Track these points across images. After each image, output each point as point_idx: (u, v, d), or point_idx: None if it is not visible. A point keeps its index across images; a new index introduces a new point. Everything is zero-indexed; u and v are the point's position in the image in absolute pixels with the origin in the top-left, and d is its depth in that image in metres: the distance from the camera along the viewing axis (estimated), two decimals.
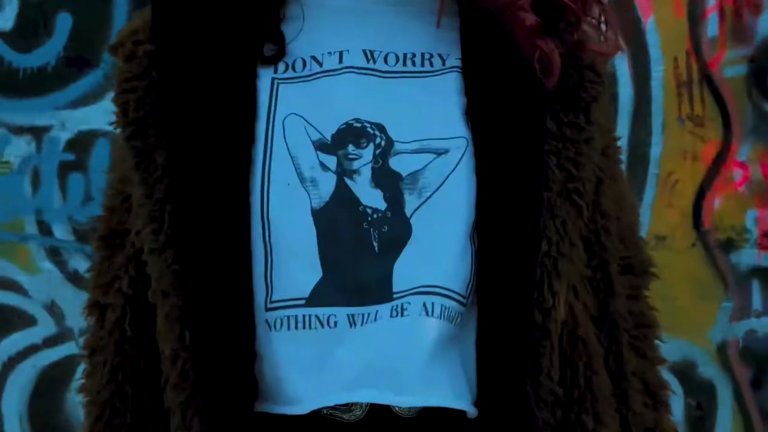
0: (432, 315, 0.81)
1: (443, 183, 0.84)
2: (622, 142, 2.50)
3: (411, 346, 0.81)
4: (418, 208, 0.83)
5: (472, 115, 0.86)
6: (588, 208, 0.86)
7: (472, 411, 0.81)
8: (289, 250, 0.83)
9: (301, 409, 0.80)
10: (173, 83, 0.86)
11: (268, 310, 0.82)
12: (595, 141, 0.87)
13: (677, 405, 2.51)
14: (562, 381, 0.84)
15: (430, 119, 0.86)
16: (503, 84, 0.86)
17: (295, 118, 0.85)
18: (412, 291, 0.81)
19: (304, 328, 0.81)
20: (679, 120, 2.60)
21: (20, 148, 2.52)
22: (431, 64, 0.90)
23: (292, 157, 0.84)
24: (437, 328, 0.80)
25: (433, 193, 0.83)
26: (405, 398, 0.80)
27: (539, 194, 0.83)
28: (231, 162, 0.84)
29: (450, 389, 0.82)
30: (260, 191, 0.83)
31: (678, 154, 2.60)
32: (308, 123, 0.86)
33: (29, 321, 2.50)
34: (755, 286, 2.55)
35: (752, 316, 2.56)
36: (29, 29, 2.57)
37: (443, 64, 0.90)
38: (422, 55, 0.90)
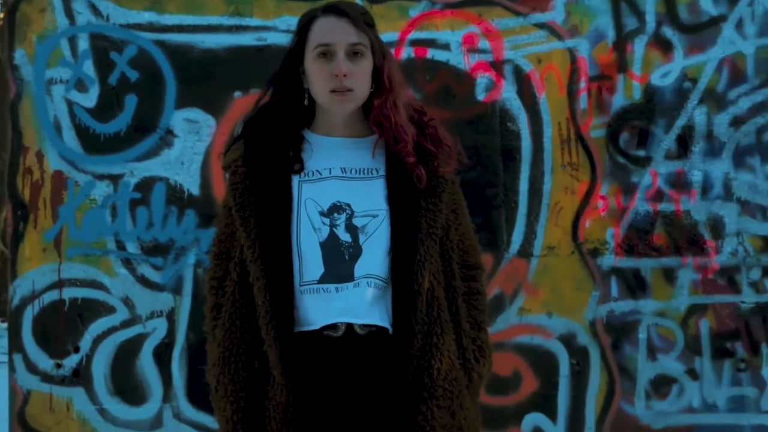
0: (370, 286, 1.70)
1: (376, 230, 1.73)
2: (524, 182, 3.37)
3: (362, 300, 1.69)
4: (365, 241, 1.73)
5: (389, 199, 1.75)
6: (439, 240, 1.76)
7: (390, 329, 1.71)
8: (309, 260, 1.72)
9: (314, 327, 1.69)
10: (254, 185, 1.75)
11: (300, 285, 1.71)
12: (443, 211, 1.76)
13: (564, 364, 3.36)
14: (428, 314, 1.72)
15: (369, 201, 1.75)
16: (402, 185, 1.75)
17: (310, 200, 1.74)
18: (362, 276, 1.70)
19: (317, 293, 1.70)
20: (562, 166, 3.35)
21: (102, 189, 3.30)
22: (371, 174, 1.79)
23: (309, 219, 1.73)
24: (373, 292, 1.70)
25: (371, 234, 1.73)
26: (360, 321, 1.69)
27: (416, 234, 1.72)
28: (282, 220, 1.72)
29: (379, 318, 1.70)
30: (296, 233, 1.72)
31: (561, 190, 3.35)
32: (316, 202, 1.75)
33: (110, 310, 3.27)
34: (613, 280, 3.33)
35: (611, 300, 3.34)
36: (107, 106, 3.33)
37: (377, 173, 1.78)
38: (368, 169, 1.79)
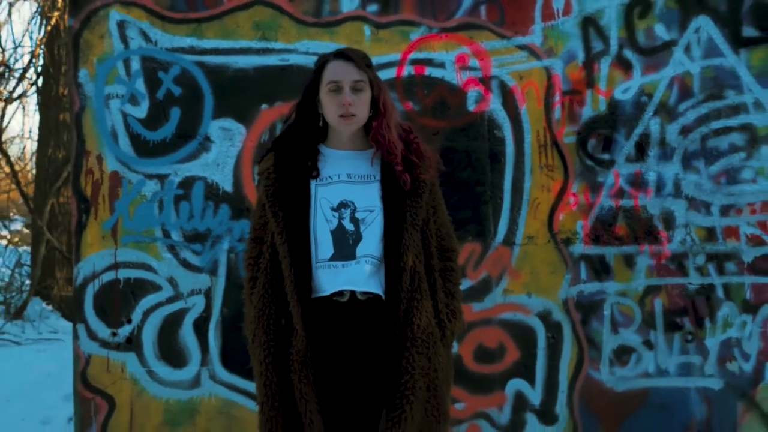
0: (368, 264, 2.17)
1: (372, 221, 2.20)
2: (507, 181, 3.53)
3: (361, 274, 2.16)
4: (364, 230, 2.19)
5: (383, 198, 2.21)
6: (420, 229, 2.22)
7: (383, 295, 2.18)
8: (322, 244, 2.20)
9: (326, 293, 2.17)
10: (282, 187, 2.23)
11: (316, 262, 2.18)
12: (423, 207, 2.21)
13: (541, 337, 3.54)
14: (411, 285, 2.18)
15: (368, 199, 2.21)
16: (392, 188, 2.21)
17: (324, 199, 2.21)
18: (362, 256, 2.17)
19: (328, 268, 2.17)
20: (540, 167, 3.55)
21: (151, 187, 3.51)
22: (370, 179, 2.25)
23: (323, 213, 2.21)
24: (370, 268, 2.17)
25: (369, 225, 2.20)
26: (360, 289, 2.16)
27: (402, 225, 2.19)
28: (303, 214, 2.20)
29: (375, 287, 2.17)
30: (313, 223, 2.20)
31: (539, 188, 3.55)
32: (328, 200, 2.22)
33: (157, 288, 3.52)
34: (582, 265, 3.53)
35: (581, 282, 3.53)
36: (155, 117, 3.52)
37: (374, 178, 2.25)
38: (367, 175, 2.25)
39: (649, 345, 3.55)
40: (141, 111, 3.56)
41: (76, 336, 3.54)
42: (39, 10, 6.52)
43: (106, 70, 3.53)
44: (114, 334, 3.56)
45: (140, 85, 3.54)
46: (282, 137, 2.33)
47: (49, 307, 6.68)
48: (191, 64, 3.54)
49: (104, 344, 3.56)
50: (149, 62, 3.54)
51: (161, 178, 3.56)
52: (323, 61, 2.27)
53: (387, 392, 2.14)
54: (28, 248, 7.98)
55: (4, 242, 8.34)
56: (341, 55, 2.25)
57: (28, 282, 7.08)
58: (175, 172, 3.56)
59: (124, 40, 3.53)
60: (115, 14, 3.53)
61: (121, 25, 3.52)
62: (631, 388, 3.58)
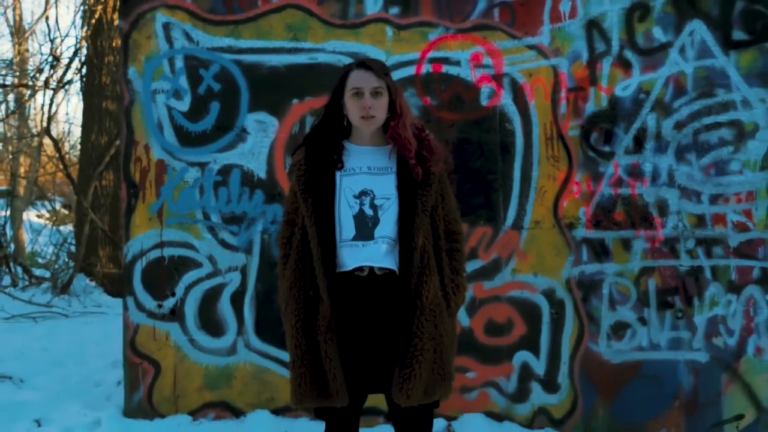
0: (384, 244, 2.47)
1: (389, 208, 2.50)
2: (517, 170, 3.76)
3: (379, 252, 2.46)
4: (382, 215, 2.49)
5: (398, 188, 2.51)
6: (429, 214, 2.52)
7: (397, 271, 2.49)
8: (345, 226, 2.50)
9: (348, 269, 2.47)
10: (312, 177, 2.54)
11: (340, 242, 2.49)
12: (432, 195, 2.49)
13: (545, 313, 3.78)
14: (420, 262, 2.48)
15: (385, 189, 2.51)
16: (406, 179, 2.51)
17: (347, 188, 2.52)
18: (379, 237, 2.47)
19: (350, 247, 2.47)
20: (546, 158, 3.77)
21: (193, 174, 3.82)
22: (387, 171, 2.54)
23: (346, 199, 2.52)
24: (386, 247, 2.47)
25: (386, 210, 2.50)
26: (378, 265, 2.46)
27: (414, 210, 2.48)
28: (329, 201, 2.50)
29: (390, 264, 2.46)
30: (338, 209, 2.50)
31: (546, 177, 3.78)
32: (351, 189, 2.52)
33: (198, 265, 3.84)
34: (584, 248, 3.75)
35: (582, 264, 3.76)
36: (197, 111, 3.82)
37: (391, 170, 2.55)
38: (385, 168, 2.55)
39: (643, 321, 3.75)
40: (184, 105, 3.86)
41: (125, 307, 3.88)
42: (84, 3, 6.86)
43: (153, 68, 3.83)
44: (159, 306, 3.87)
45: (183, 81, 3.84)
46: (312, 134, 2.65)
47: (93, 283, 7.04)
48: (229, 62, 3.83)
49: (151, 315, 3.88)
50: (191, 60, 3.83)
51: (202, 165, 3.87)
52: (347, 70, 2.58)
53: (399, 353, 2.47)
54: (65, 227, 8.34)
55: (44, 221, 8.72)
56: (362, 65, 2.57)
57: (67, 260, 7.46)
58: (214, 161, 3.86)
59: (169, 40, 3.84)
60: (161, 17, 3.84)
61: (166, 27, 3.83)
62: (626, 360, 3.80)
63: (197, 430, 3.80)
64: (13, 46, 8.29)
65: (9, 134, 7.63)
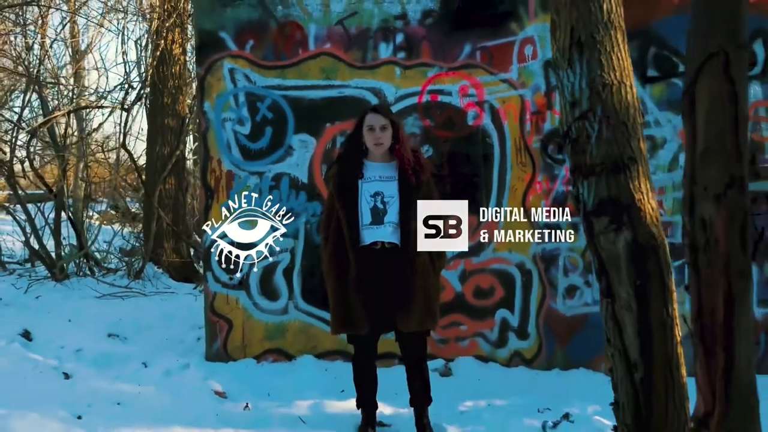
0: (391, 227, 3.62)
1: (393, 203, 3.66)
2: (495, 174, 4.68)
3: (387, 232, 3.62)
4: (389, 208, 3.68)
5: (399, 191, 3.70)
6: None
7: (399, 245, 3.71)
8: (365, 215, 3.68)
9: (367, 243, 3.67)
10: (342, 184, 3.73)
11: (362, 226, 3.66)
12: (422, 194, 3.67)
13: (518, 280, 4.72)
14: (414, 239, 3.69)
15: (391, 191, 3.67)
16: (405, 184, 3.69)
17: (365, 190, 3.72)
18: (388, 222, 3.63)
19: (368, 229, 3.62)
20: (517, 164, 4.73)
21: (253, 180, 4.85)
22: (392, 179, 3.71)
23: (365, 198, 3.70)
24: (392, 229, 3.64)
25: (391, 205, 3.66)
26: (387, 241, 3.62)
27: (411, 205, 3.64)
28: (354, 199, 3.71)
29: (395, 240, 3.64)
30: (360, 204, 3.71)
31: (517, 179, 4.74)
32: (368, 191, 3.70)
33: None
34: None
35: (544, 243, 4.73)
36: (256, 133, 4.84)
37: (394, 179, 3.74)
38: (390, 176, 3.72)
39: (588, 284, 4.75)
40: (246, 129, 4.88)
41: (206, 280, 4.97)
42: (148, 35, 8.07)
43: (222, 102, 4.86)
44: (231, 279, 4.91)
45: (245, 111, 4.85)
46: (342, 156, 3.90)
47: (160, 270, 8.23)
48: (279, 96, 4.84)
49: (224, 285, 4.93)
50: (250, 96, 4.84)
51: (260, 174, 4.89)
52: (364, 113, 3.83)
53: (401, 298, 3.73)
54: (127, 227, 9.43)
55: (112, 223, 9.81)
56: (374, 109, 3.81)
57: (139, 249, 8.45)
58: (269, 170, 4.89)
59: (234, 81, 4.87)
60: (227, 63, 4.86)
61: (231, 71, 4.87)
62: (576, 314, 4.75)
63: (261, 369, 4.83)
64: (73, 70, 9.24)
65: (90, 149, 8.75)
